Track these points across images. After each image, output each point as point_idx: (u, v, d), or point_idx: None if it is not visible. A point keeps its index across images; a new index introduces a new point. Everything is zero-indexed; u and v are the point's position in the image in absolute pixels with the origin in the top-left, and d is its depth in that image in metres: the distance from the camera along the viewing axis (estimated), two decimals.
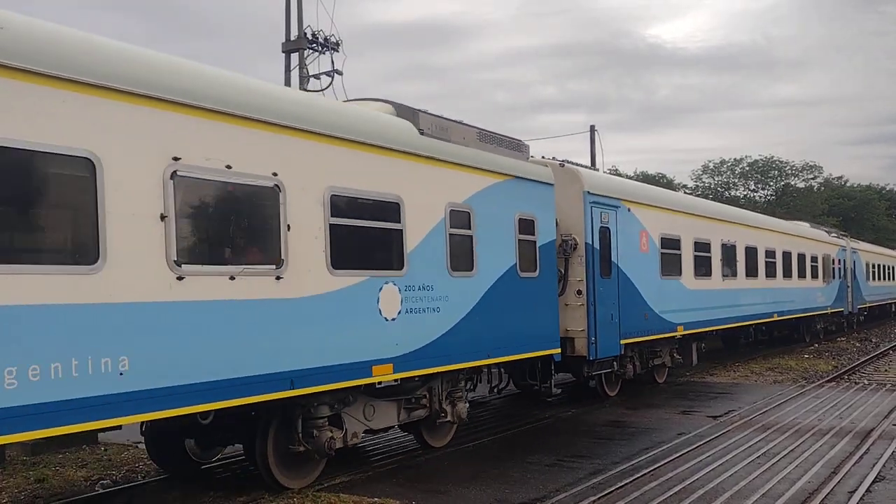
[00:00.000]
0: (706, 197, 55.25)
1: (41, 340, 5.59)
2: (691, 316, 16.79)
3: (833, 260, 29.36)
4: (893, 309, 45.07)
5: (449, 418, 10.27)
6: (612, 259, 13.93)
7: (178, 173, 6.61)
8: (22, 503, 8.35)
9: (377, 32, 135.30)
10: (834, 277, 29.34)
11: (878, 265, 39.32)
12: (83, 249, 5.97)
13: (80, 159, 5.95)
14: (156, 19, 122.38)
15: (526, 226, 11.39)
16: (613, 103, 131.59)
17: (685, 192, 58.76)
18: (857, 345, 27.65)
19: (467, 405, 10.71)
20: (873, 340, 29.52)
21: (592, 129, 30.22)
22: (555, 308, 12.24)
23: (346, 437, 8.68)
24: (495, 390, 12.96)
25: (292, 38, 20.21)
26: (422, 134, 9.60)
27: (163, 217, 6.48)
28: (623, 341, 14.12)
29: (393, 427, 9.86)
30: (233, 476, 9.32)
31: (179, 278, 6.58)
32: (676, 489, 8.27)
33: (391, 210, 8.91)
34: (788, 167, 76.24)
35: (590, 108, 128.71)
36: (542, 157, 13.58)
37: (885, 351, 25.07)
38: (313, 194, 7.91)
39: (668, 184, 65.58)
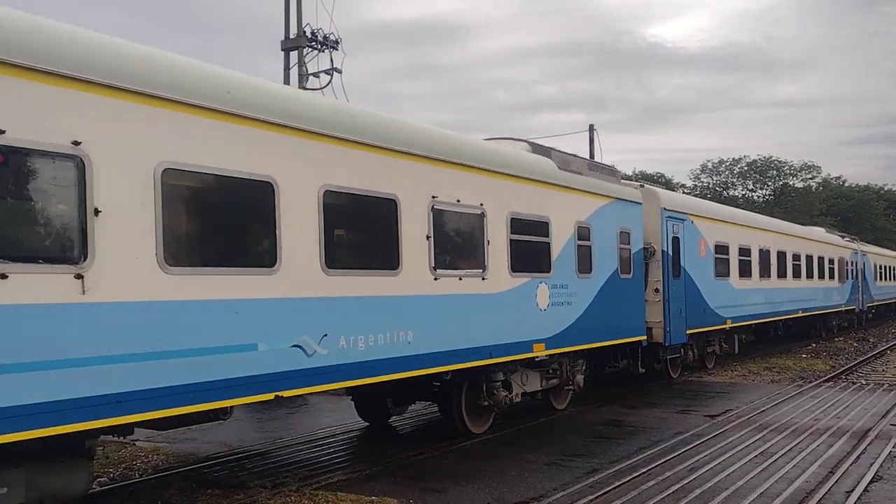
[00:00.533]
0: (704, 197, 55.30)
1: (371, 321, 8.54)
2: (737, 311, 19.79)
3: (847, 262, 32.12)
4: None
5: (572, 386, 13.17)
6: (681, 263, 16.72)
7: (435, 207, 9.63)
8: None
9: (377, 30, 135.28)
10: (847, 278, 32.12)
11: (884, 266, 42.49)
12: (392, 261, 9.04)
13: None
14: (155, 17, 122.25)
15: (624, 237, 14.30)
16: (613, 103, 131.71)
17: (683, 192, 58.74)
18: (855, 345, 27.68)
19: (583, 377, 13.39)
20: (871, 340, 29.55)
21: (591, 129, 30.21)
22: (642, 303, 15.05)
23: (512, 397, 11.42)
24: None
25: (291, 36, 20.18)
26: (559, 168, 12.49)
27: (427, 237, 9.43)
28: (688, 331, 16.92)
29: (537, 391, 12.56)
30: (229, 474, 9.32)
31: (436, 279, 9.57)
32: (674, 488, 8.27)
33: (543, 227, 11.81)
34: (787, 167, 76.33)
35: (590, 107, 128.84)
36: (628, 180, 16.63)
37: (882, 351, 25.10)
38: (500, 217, 10.81)
39: (666, 183, 65.57)
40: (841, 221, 70.87)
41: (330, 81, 20.20)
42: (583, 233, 12.85)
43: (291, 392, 7.60)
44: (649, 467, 9.22)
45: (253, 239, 7.66)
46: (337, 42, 20.39)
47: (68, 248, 5.84)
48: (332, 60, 20.39)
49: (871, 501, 7.72)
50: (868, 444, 10.37)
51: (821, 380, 17.64)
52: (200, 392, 6.70)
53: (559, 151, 13.02)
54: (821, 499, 7.81)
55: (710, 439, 10.90)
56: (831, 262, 29.55)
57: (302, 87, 19.52)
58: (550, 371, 12.54)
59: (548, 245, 11.89)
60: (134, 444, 11.15)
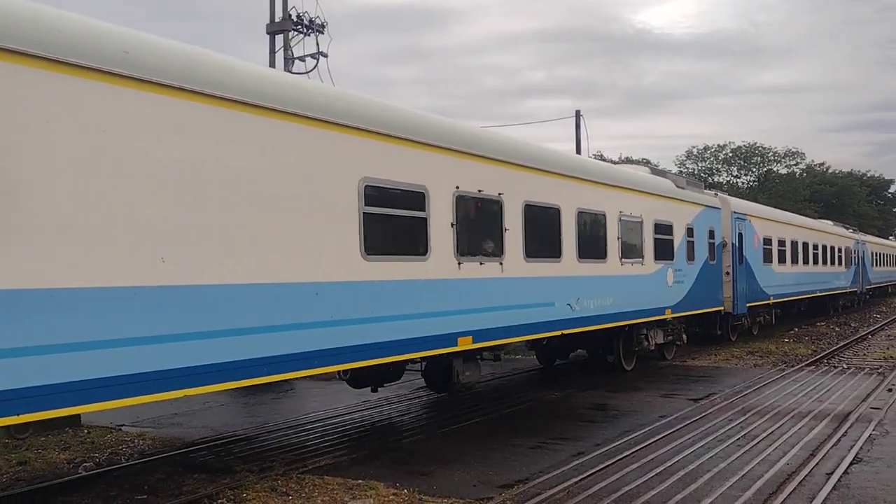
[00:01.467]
0: None
1: (594, 291, 13.23)
2: (777, 290, 25.30)
3: (851, 251, 38.00)
4: (889, 290, 56.24)
5: (681, 342, 18.60)
6: (743, 253, 21.81)
7: (622, 218, 14.60)
8: (4, 486, 8.31)
9: (364, 14, 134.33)
10: (851, 265, 38.09)
11: (880, 254, 49.96)
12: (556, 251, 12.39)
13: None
14: (135, 1, 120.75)
15: (711, 234, 19.50)
16: (601, 89, 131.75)
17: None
18: (837, 329, 27.97)
19: (685, 336, 18.57)
20: (852, 325, 29.87)
21: (578, 115, 30.21)
22: (721, 282, 20.32)
23: (649, 346, 16.61)
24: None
25: (277, 20, 20.03)
26: (675, 187, 17.79)
27: (617, 238, 14.27)
28: (748, 305, 22.16)
29: (661, 344, 17.38)
30: (216, 458, 9.33)
31: (621, 265, 14.44)
32: (657, 471, 8.36)
33: (669, 229, 16.75)
34: (771, 153, 76.74)
35: (578, 93, 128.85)
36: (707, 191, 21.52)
37: (863, 335, 25.38)
38: (649, 223, 15.67)
39: (651, 169, 65.64)
40: (824, 207, 71.47)
41: (316, 66, 20.11)
42: (689, 232, 17.95)
43: (570, 330, 12.51)
44: (633, 450, 9.31)
45: (553, 239, 12.33)
46: (323, 26, 20.28)
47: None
48: (317, 44, 20.29)
49: (851, 483, 7.83)
50: (849, 427, 10.51)
51: (803, 364, 17.83)
52: (528, 327, 11.53)
53: (672, 174, 19.61)
54: (802, 480, 7.92)
55: (693, 422, 11.01)
56: (840, 250, 35.33)
57: (287, 70, 19.38)
58: (669, 330, 17.45)
59: (672, 241, 16.87)
60: (120, 429, 11.15)
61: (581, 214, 12.92)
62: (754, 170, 76.87)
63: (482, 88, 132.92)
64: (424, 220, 9.26)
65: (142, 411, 11.90)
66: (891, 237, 72.26)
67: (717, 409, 12.10)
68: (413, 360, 10.08)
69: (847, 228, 40.29)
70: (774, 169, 76.86)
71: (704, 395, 13.50)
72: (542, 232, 11.82)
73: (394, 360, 8.88)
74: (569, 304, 12.41)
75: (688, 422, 11.06)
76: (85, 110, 5.81)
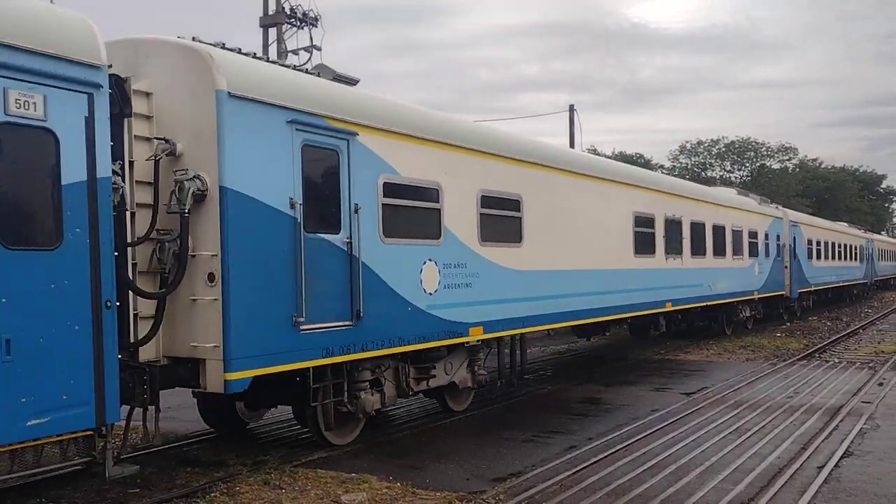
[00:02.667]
0: (682, 177, 55.57)
1: (712, 280, 20.00)
2: (815, 280, 32.19)
3: (863, 248, 46.02)
4: (892, 282, 64.59)
5: (758, 315, 25.19)
6: (796, 251, 28.45)
7: (733, 229, 22.17)
8: None
9: (358, 7, 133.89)
10: (864, 260, 46.37)
11: (885, 250, 58.58)
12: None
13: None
14: None
15: (777, 237, 26.31)
16: (596, 83, 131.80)
17: (662, 172, 58.95)
18: (829, 324, 28.11)
19: (762, 312, 25.56)
20: (844, 320, 30.02)
21: (571, 109, 30.26)
22: (783, 274, 26.97)
23: (743, 317, 23.94)
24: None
25: (270, 13, 19.95)
26: (758, 203, 25.30)
27: (716, 240, 21.10)
28: (799, 291, 29.01)
29: (746, 318, 24.48)
30: (209, 452, 9.32)
31: (725, 258, 21.20)
32: (649, 464, 8.39)
33: (755, 234, 23.45)
34: (764, 148, 76.87)
35: (572, 87, 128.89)
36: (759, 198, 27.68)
37: (855, 330, 25.51)
38: (745, 230, 22.70)
39: (645, 164, 65.82)
40: (816, 203, 71.65)
41: (309, 59, 20.03)
42: (766, 236, 24.95)
43: (709, 303, 19.73)
44: (625, 444, 9.35)
45: (701, 244, 19.34)
46: (316, 19, 20.23)
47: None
48: (311, 38, 20.24)
49: (841, 476, 7.88)
50: (840, 421, 10.57)
51: (794, 358, 17.91)
52: (695, 299, 18.88)
53: (753, 194, 27.46)
54: (793, 474, 7.96)
55: (685, 416, 11.05)
56: (856, 248, 43.41)
57: (281, 63, 19.33)
58: (753, 306, 24.27)
59: (757, 243, 23.81)
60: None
61: (715, 227, 20.28)
62: (747, 165, 77.03)
63: (476, 82, 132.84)
64: (652, 235, 16.48)
65: None
66: (882, 232, 72.63)
67: (709, 403, 12.14)
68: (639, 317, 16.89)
69: (860, 229, 48.89)
70: (767, 164, 77.01)
71: (697, 389, 13.55)
72: (698, 239, 19.10)
73: (645, 313, 16.49)
74: (709, 286, 19.62)
75: (680, 416, 11.10)
76: (563, 187, 13.10)
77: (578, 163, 14.08)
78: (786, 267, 27.14)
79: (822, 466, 8.22)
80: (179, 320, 7.59)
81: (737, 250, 21.84)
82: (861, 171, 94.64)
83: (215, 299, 7.38)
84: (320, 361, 8.30)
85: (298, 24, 20.00)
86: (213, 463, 8.73)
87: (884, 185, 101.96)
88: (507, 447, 9.36)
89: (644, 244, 15.82)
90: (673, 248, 17.32)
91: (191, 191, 7.31)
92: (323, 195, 8.53)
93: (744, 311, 23.81)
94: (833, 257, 36.31)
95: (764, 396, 12.69)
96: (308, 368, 8.20)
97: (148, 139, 7.50)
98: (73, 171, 6.23)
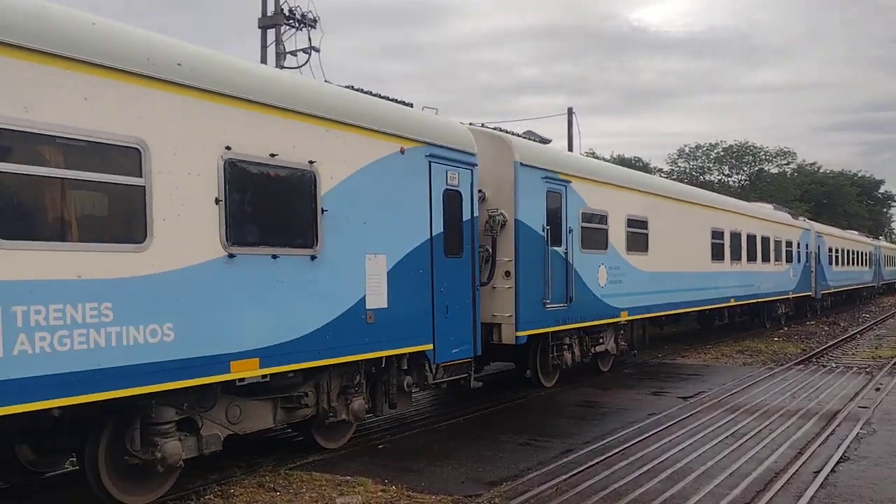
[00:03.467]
0: (681, 181, 55.65)
1: (742, 282, 23.46)
2: (834, 283, 36.86)
3: (871, 254, 50.18)
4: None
5: (791, 313, 29.64)
6: (819, 258, 32.89)
7: (774, 239, 26.88)
8: None
9: (357, 9, 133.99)
10: (872, 265, 50.50)
11: (889, 256, 61.93)
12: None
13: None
14: None
15: (806, 246, 30.85)
16: (596, 86, 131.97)
17: (661, 176, 58.99)
18: (826, 329, 28.10)
19: (793, 309, 29.87)
20: (841, 325, 30.02)
21: (570, 112, 30.25)
22: (810, 277, 31.03)
23: (780, 313, 28.38)
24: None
25: (269, 14, 19.94)
26: (791, 217, 30.49)
27: (764, 251, 25.90)
28: (821, 292, 33.65)
29: (784, 313, 29.08)
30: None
31: (762, 263, 25.04)
32: (645, 468, 8.38)
33: (790, 243, 28.22)
34: (762, 152, 76.89)
35: (572, 90, 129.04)
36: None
37: (852, 335, 25.51)
38: (783, 240, 27.31)
39: (643, 167, 65.82)
40: (815, 207, 71.69)
41: (308, 60, 20.02)
42: (798, 245, 29.27)
43: (758, 301, 24.67)
44: (622, 447, 9.33)
45: (753, 251, 23.97)
46: (315, 20, 20.20)
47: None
48: (309, 39, 20.21)
49: (838, 481, 7.86)
50: (836, 426, 10.56)
51: (792, 363, 17.90)
52: (753, 295, 24.11)
53: (786, 209, 32.00)
54: (789, 479, 7.95)
55: (682, 420, 11.04)
56: (865, 254, 47.27)
57: (280, 65, 19.31)
58: (788, 304, 28.58)
59: (791, 250, 28.21)
60: None
61: (763, 238, 24.74)
62: (745, 169, 77.08)
63: (476, 84, 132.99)
64: (722, 245, 20.73)
65: None
66: (881, 237, 72.93)
67: (706, 407, 12.13)
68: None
69: (868, 237, 53.79)
70: (766, 168, 77.07)
71: (694, 393, 13.53)
72: (751, 248, 23.51)
73: (718, 307, 21.11)
74: (758, 286, 24.18)
75: (677, 420, 11.08)
76: (670, 209, 17.80)
77: (678, 191, 19.70)
78: (812, 271, 31.47)
79: (819, 471, 8.21)
80: (486, 300, 11.76)
81: (777, 257, 26.57)
82: (859, 175, 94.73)
83: (510, 287, 12.00)
84: (553, 328, 13.06)
85: (297, 25, 19.99)
86: (207, 464, 8.69)
87: (882, 190, 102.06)
88: (504, 450, 9.33)
89: (717, 252, 20.75)
90: (735, 255, 22.23)
91: (498, 221, 11.93)
92: (554, 222, 13.04)
93: (780, 309, 28.32)
94: (848, 263, 41.51)
95: (761, 401, 12.67)
96: (547, 333, 12.97)
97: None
98: (466, 213, 10.73)
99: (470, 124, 12.38)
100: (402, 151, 9.41)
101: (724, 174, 77.16)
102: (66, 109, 5.97)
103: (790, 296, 28.43)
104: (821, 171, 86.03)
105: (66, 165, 6.00)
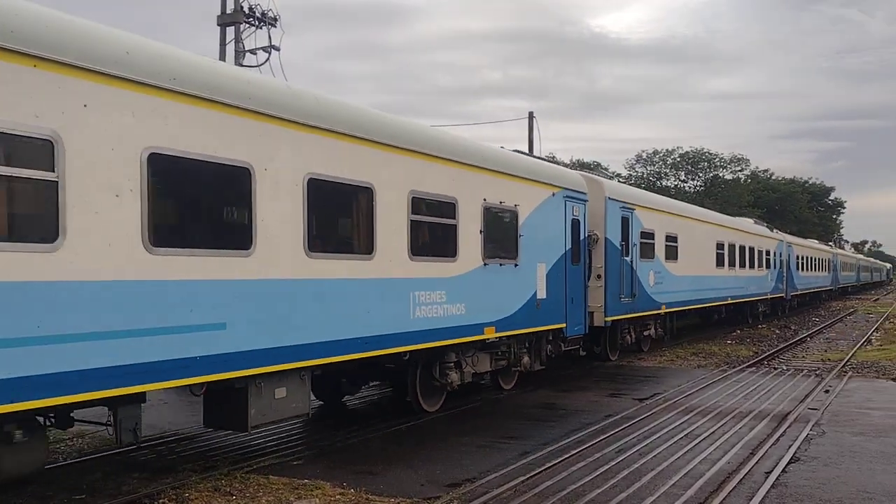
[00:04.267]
0: (639, 186, 56.38)
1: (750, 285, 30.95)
2: (802, 285, 42.75)
3: (830, 261, 56.64)
4: (849, 288, 73.80)
5: (767, 311, 34.73)
6: (790, 265, 38.63)
7: (793, 254, 40.83)
8: None
9: (318, 8, 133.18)
10: (830, 271, 56.80)
11: (845, 262, 69.56)
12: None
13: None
14: None
15: (779, 255, 36.31)
16: (556, 91, 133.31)
17: (619, 181, 59.67)
18: (777, 332, 28.74)
19: (766, 311, 35.00)
20: (792, 328, 30.71)
21: (531, 116, 30.45)
22: (783, 281, 36.59)
23: (760, 312, 33.39)
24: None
25: (228, 11, 19.70)
26: (769, 230, 36.59)
27: (758, 260, 32.84)
28: (791, 294, 39.42)
29: (763, 311, 34.16)
30: (158, 457, 9.13)
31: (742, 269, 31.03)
32: (602, 469, 8.46)
33: (769, 252, 33.84)
34: (717, 159, 78.43)
35: (532, 94, 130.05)
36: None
37: (803, 338, 26.11)
38: (763, 250, 32.82)
39: (602, 172, 66.47)
40: (767, 213, 73.26)
41: (268, 59, 19.85)
42: (773, 254, 34.26)
43: (743, 300, 29.62)
44: (579, 449, 9.40)
45: (744, 260, 30.03)
46: (275, 19, 20.04)
47: None
48: (269, 37, 20.04)
49: (788, 482, 8.03)
50: (787, 427, 10.79)
51: (744, 365, 18.25)
52: (739, 295, 28.83)
53: (762, 223, 37.59)
54: (742, 479, 8.09)
55: (638, 422, 11.17)
56: (825, 261, 53.77)
57: (239, 64, 19.09)
58: (766, 304, 33.63)
59: (769, 259, 33.57)
60: (57, 428, 10.80)
61: (749, 248, 30.10)
62: (701, 175, 78.48)
63: (436, 85, 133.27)
64: (723, 254, 26.27)
65: (81, 410, 11.55)
66: (830, 243, 75.04)
67: (661, 408, 12.30)
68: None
69: (829, 245, 63.11)
70: (720, 174, 78.55)
71: (650, 394, 13.71)
72: (741, 257, 28.72)
73: (718, 304, 26.16)
74: (746, 288, 29.29)
75: (633, 421, 11.21)
76: (689, 225, 23.24)
77: (696, 212, 25.42)
78: (784, 276, 36.76)
79: (770, 472, 8.37)
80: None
81: (759, 264, 31.78)
82: (811, 182, 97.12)
83: (600, 286, 16.48)
84: (624, 316, 17.92)
85: (257, 23, 19.79)
86: (161, 468, 8.55)
87: (832, 197, 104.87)
88: (462, 452, 9.34)
89: (720, 260, 25.99)
90: (731, 262, 27.27)
91: (594, 239, 16.26)
92: (625, 239, 17.71)
93: (760, 307, 33.20)
94: (812, 269, 47.65)
95: (714, 402, 12.90)
96: (621, 320, 17.82)
97: None
98: (581, 233, 15.21)
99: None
100: (553, 195, 14.02)
101: (680, 180, 78.49)
102: None
103: (768, 296, 33.66)
104: (773, 177, 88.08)
105: None
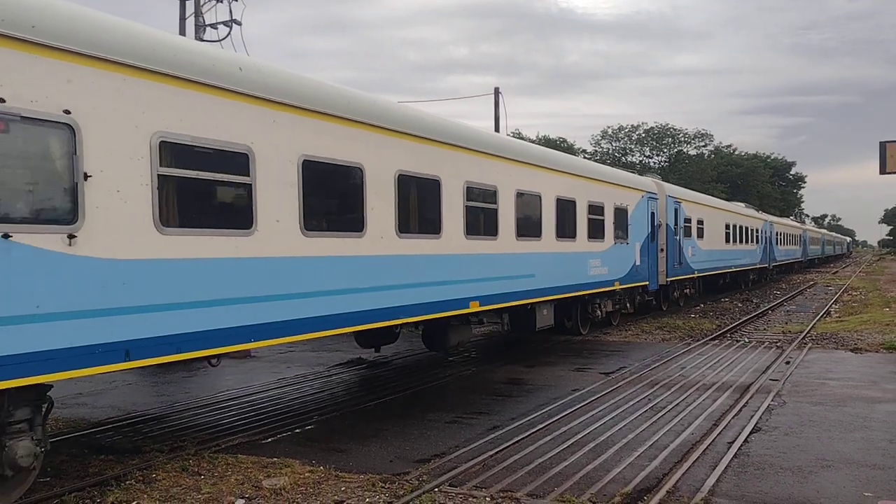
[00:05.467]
0: (604, 162, 56.74)
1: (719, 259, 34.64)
2: (781, 257, 51.90)
3: (801, 237, 63.50)
4: (816, 260, 79.38)
5: (767, 278, 46.66)
6: (771, 241, 46.21)
7: (777, 231, 50.02)
8: None
9: None
10: (800, 244, 63.54)
11: (813, 237, 76.13)
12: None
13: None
14: None
15: (765, 232, 44.40)
16: (523, 67, 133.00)
17: (584, 157, 59.89)
18: (739, 305, 29.25)
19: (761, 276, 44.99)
20: (754, 301, 31.29)
21: (497, 92, 30.38)
22: (766, 254, 44.61)
23: (750, 279, 41.50)
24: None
25: None
26: (756, 211, 44.54)
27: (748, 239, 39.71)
28: (773, 265, 48.53)
29: (754, 279, 42.48)
30: (123, 438, 9.05)
31: (729, 244, 35.79)
32: (569, 443, 8.57)
33: (757, 230, 41.06)
34: (682, 135, 79.14)
35: (500, 70, 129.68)
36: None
37: (764, 311, 26.62)
38: (753, 228, 39.97)
39: (568, 148, 66.70)
40: (730, 188, 74.27)
41: (229, 34, 19.49)
42: (760, 231, 41.37)
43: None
44: (547, 423, 9.52)
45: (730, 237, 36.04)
46: None
47: None
48: (230, 12, 19.66)
49: (751, 451, 8.22)
50: (749, 398, 11.02)
51: (707, 338, 18.57)
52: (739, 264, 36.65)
53: (754, 206, 48.32)
54: (705, 449, 8.26)
55: (604, 395, 11.33)
56: (796, 237, 60.14)
57: (198, 38, 18.72)
58: (758, 272, 42.42)
59: (757, 235, 40.50)
60: None
61: (748, 228, 37.75)
62: (665, 150, 79.15)
63: (404, 62, 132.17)
64: (729, 233, 33.82)
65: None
66: (791, 217, 76.65)
67: (626, 382, 12.47)
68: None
69: (800, 222, 70.25)
70: (684, 150, 79.31)
71: (615, 368, 13.90)
72: (741, 234, 36.07)
73: (725, 271, 33.23)
74: (743, 259, 36.42)
75: (599, 395, 11.36)
76: (709, 212, 30.53)
77: (715, 202, 32.88)
78: (767, 250, 44.05)
79: (733, 442, 8.56)
80: None
81: (751, 240, 38.94)
82: (772, 157, 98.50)
83: (663, 257, 23.15)
84: (676, 278, 24.94)
85: None
86: (128, 450, 8.47)
87: (793, 172, 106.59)
88: (431, 428, 9.40)
89: (727, 237, 33.00)
90: (734, 239, 34.62)
91: (658, 224, 22.59)
92: (676, 223, 24.23)
93: (751, 276, 40.49)
94: (785, 244, 54.07)
95: (678, 375, 13.12)
96: (674, 281, 25.01)
97: None
98: (656, 220, 22.51)
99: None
100: (642, 196, 20.82)
101: (645, 155, 79.09)
102: None
103: (756, 266, 40.54)
104: (736, 153, 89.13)
105: None
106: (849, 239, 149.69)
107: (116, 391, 12.26)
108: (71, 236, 6.16)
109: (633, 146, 79.06)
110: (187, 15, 19.25)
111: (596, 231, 17.41)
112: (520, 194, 13.70)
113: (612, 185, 18.71)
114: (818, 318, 23.59)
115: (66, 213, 6.16)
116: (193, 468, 7.65)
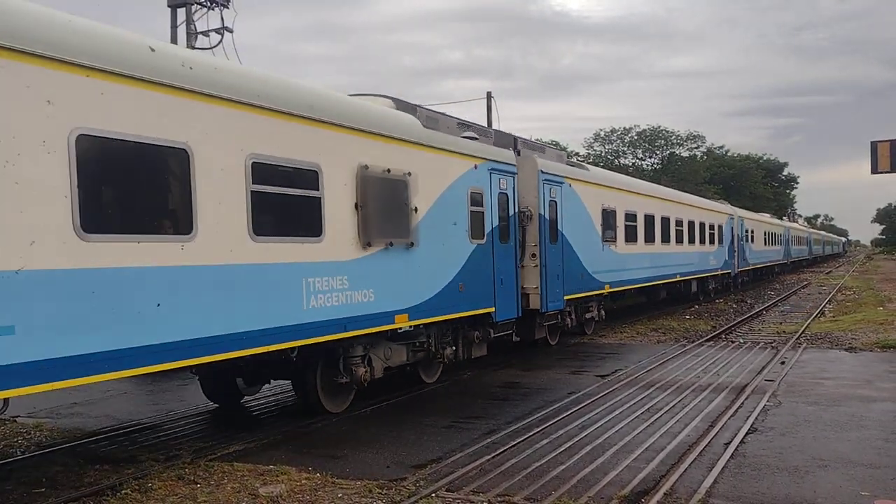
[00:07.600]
0: (597, 164, 56.82)
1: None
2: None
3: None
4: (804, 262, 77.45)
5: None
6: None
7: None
8: None
9: None
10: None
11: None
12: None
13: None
14: None
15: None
16: (518, 71, 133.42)
17: (578, 160, 59.96)
18: (734, 306, 29.29)
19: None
20: (749, 302, 31.34)
21: (489, 96, 30.43)
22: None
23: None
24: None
25: None
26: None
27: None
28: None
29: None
30: (119, 448, 9.01)
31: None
32: (566, 445, 8.57)
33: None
34: (674, 136, 79.23)
35: (495, 74, 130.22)
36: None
37: (758, 312, 26.67)
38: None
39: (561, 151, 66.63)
40: (723, 189, 74.42)
41: (220, 41, 19.46)
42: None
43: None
44: (543, 426, 9.51)
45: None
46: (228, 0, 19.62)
47: None
48: (222, 19, 19.63)
49: (747, 452, 8.22)
50: (745, 399, 11.03)
51: (703, 339, 18.60)
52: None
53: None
54: (702, 451, 8.26)
55: (600, 398, 11.33)
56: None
57: (190, 46, 18.71)
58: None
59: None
60: (14, 421, 10.61)
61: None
62: (658, 152, 79.28)
63: (399, 67, 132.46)
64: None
65: (38, 401, 11.36)
66: (784, 217, 76.83)
67: (622, 384, 12.48)
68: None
69: (792, 221, 70.09)
70: (677, 152, 79.44)
71: (611, 371, 13.90)
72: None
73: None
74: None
75: (595, 397, 11.36)
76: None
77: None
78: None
79: (729, 443, 8.56)
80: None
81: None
82: (765, 158, 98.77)
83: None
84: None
85: (209, 4, 19.39)
86: (123, 459, 8.44)
87: (785, 173, 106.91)
88: (427, 433, 9.38)
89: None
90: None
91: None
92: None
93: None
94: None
95: (674, 377, 13.13)
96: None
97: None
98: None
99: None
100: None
101: (637, 158, 79.18)
102: None
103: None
104: (729, 154, 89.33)
105: None
106: (843, 239, 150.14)
107: (110, 401, 12.21)
108: None
109: (625, 149, 79.15)
110: (178, 23, 19.23)
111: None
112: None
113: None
114: (812, 317, 23.65)
115: None
116: (189, 476, 7.62)
